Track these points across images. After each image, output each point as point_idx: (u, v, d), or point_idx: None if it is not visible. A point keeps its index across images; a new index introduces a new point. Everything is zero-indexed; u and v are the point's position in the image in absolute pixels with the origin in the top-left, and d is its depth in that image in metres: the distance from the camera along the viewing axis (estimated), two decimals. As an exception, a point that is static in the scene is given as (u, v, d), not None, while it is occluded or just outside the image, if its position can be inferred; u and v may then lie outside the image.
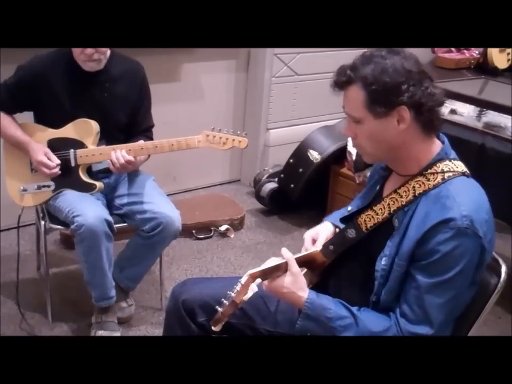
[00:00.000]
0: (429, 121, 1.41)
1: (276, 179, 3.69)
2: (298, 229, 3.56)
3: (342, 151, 3.42)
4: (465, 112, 3.03)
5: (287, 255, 1.47)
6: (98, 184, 2.39)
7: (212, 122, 2.40)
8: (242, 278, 1.41)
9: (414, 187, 1.43)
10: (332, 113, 3.99)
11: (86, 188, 2.38)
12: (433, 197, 1.39)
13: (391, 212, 1.46)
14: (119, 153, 2.28)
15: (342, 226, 1.64)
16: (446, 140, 1.49)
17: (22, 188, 2.41)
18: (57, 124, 2.37)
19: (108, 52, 2.36)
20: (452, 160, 1.44)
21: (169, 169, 3.79)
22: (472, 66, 4.03)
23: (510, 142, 2.67)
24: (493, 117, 2.96)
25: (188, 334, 1.70)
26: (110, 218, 2.30)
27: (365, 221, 1.52)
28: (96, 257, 2.28)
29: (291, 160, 3.55)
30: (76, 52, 2.27)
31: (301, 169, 3.47)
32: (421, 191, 1.41)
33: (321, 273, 1.60)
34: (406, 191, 1.44)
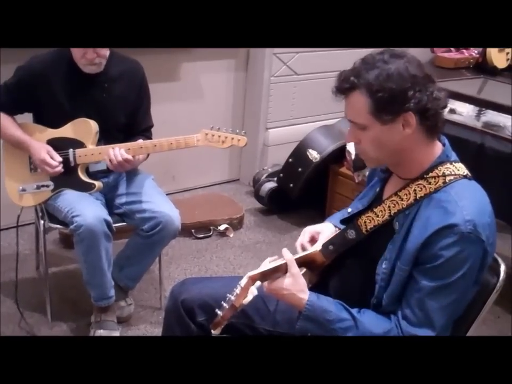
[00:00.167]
0: (434, 125, 1.40)
1: (275, 178, 3.69)
2: (297, 228, 3.56)
3: (341, 151, 3.42)
4: (465, 112, 3.03)
5: (287, 256, 1.47)
6: (98, 184, 2.39)
7: (211, 121, 2.40)
8: (241, 280, 1.41)
9: (415, 190, 1.42)
10: (331, 113, 3.99)
11: (85, 188, 2.38)
12: (435, 201, 1.39)
13: (392, 214, 1.46)
14: (117, 151, 2.28)
15: (342, 227, 1.64)
16: (446, 141, 1.48)
17: (21, 187, 2.41)
18: (56, 124, 2.37)
19: (108, 52, 2.36)
20: (453, 163, 1.43)
21: (168, 169, 3.79)
22: (471, 66, 4.03)
23: (509, 141, 2.68)
24: (492, 116, 2.97)
25: (187, 333, 1.70)
26: (109, 218, 2.30)
27: (365, 222, 1.51)
28: (95, 257, 2.28)
29: (290, 160, 3.55)
30: (77, 56, 2.26)
31: (300, 169, 3.47)
32: (422, 195, 1.41)
33: (321, 273, 1.60)
34: (406, 194, 1.43)
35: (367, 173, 3.17)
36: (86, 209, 2.25)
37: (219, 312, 1.40)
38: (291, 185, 3.53)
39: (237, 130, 2.24)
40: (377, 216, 1.49)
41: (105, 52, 2.31)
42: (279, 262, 1.47)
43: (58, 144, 2.36)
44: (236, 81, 3.94)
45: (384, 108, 1.35)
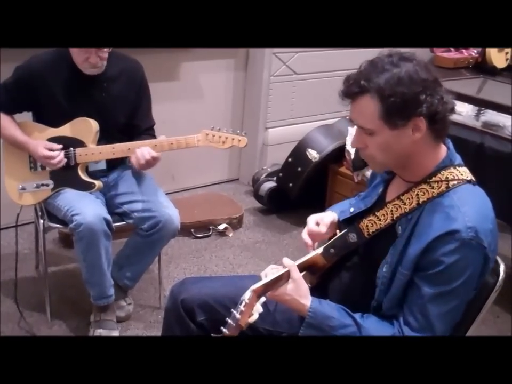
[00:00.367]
0: (442, 129, 1.39)
1: (275, 178, 3.69)
2: (296, 228, 3.56)
3: (341, 150, 3.42)
4: (464, 112, 3.03)
5: (289, 263, 1.46)
6: (97, 183, 2.39)
7: (211, 121, 2.40)
8: (245, 294, 1.38)
9: (417, 195, 1.41)
10: (330, 112, 3.99)
11: (85, 187, 2.38)
12: (437, 206, 1.38)
13: (394, 218, 1.45)
14: (145, 150, 2.28)
15: (342, 225, 1.64)
16: (451, 145, 1.47)
17: (20, 186, 2.41)
18: (55, 123, 2.37)
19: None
20: (457, 167, 1.42)
21: (168, 168, 3.78)
22: (470, 66, 4.03)
23: (508, 141, 2.68)
24: (491, 116, 2.97)
25: (186, 333, 1.70)
26: (108, 217, 2.30)
27: (367, 226, 1.50)
28: (95, 256, 2.29)
29: (290, 159, 3.55)
30: (79, 59, 2.26)
31: (299, 168, 3.47)
32: (425, 199, 1.40)
33: (321, 275, 1.60)
34: (409, 198, 1.42)
35: (366, 173, 3.18)
36: (86, 207, 2.25)
37: (224, 330, 1.38)
38: (290, 184, 3.53)
39: (237, 131, 2.24)
40: (380, 220, 1.48)
41: (107, 54, 2.30)
42: (281, 271, 1.45)
43: (58, 143, 2.35)
44: (236, 81, 3.94)
45: (395, 113, 1.33)
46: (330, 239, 1.62)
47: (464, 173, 1.42)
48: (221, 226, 3.44)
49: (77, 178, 2.38)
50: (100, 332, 2.42)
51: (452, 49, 4.07)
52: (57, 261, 2.99)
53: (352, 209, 1.64)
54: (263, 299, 1.41)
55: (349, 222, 1.60)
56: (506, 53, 4.01)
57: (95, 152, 2.34)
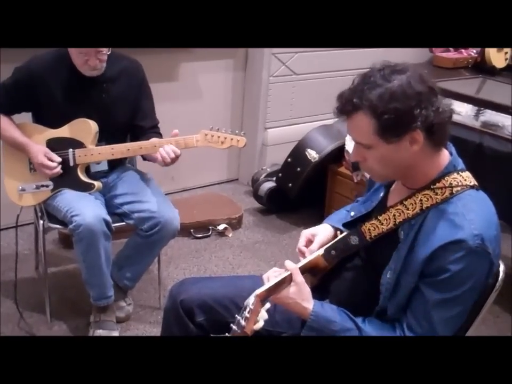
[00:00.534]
0: (441, 138, 1.38)
1: (274, 178, 3.69)
2: (296, 228, 3.56)
3: (340, 150, 3.42)
4: (463, 111, 3.03)
5: (291, 266, 1.45)
6: (97, 184, 2.39)
7: (210, 121, 2.40)
8: (249, 299, 1.37)
9: (421, 200, 1.40)
10: (330, 113, 3.94)
11: (84, 188, 2.38)
12: (442, 213, 1.37)
13: (397, 223, 1.44)
14: (169, 148, 2.28)
15: (342, 229, 1.63)
16: (453, 150, 1.46)
17: (20, 187, 2.41)
18: (55, 124, 2.37)
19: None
20: (460, 172, 1.41)
21: (167, 169, 3.74)
22: (469, 66, 4.03)
23: (508, 141, 2.68)
24: (490, 116, 2.97)
25: (186, 333, 1.70)
26: (108, 217, 2.30)
27: (369, 229, 1.50)
28: (95, 256, 2.29)
29: (289, 159, 3.55)
30: (78, 62, 2.26)
31: (299, 169, 3.47)
32: (429, 205, 1.39)
33: (322, 276, 1.60)
34: (412, 204, 1.41)
35: (366, 173, 3.18)
36: (85, 208, 2.25)
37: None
38: (290, 185, 3.53)
39: (236, 131, 2.24)
40: (382, 224, 1.47)
41: (106, 56, 2.29)
42: (284, 274, 1.45)
43: (57, 144, 2.36)
44: (235, 81, 3.94)
45: (390, 129, 1.32)
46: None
47: (468, 178, 1.41)
48: (221, 227, 3.44)
49: (76, 179, 2.38)
50: (100, 332, 2.42)
51: (451, 49, 4.08)
52: (57, 262, 2.99)
53: (352, 213, 1.64)
54: (267, 305, 1.40)
55: (350, 226, 1.60)
56: (506, 53, 4.02)
57: (94, 153, 2.34)
